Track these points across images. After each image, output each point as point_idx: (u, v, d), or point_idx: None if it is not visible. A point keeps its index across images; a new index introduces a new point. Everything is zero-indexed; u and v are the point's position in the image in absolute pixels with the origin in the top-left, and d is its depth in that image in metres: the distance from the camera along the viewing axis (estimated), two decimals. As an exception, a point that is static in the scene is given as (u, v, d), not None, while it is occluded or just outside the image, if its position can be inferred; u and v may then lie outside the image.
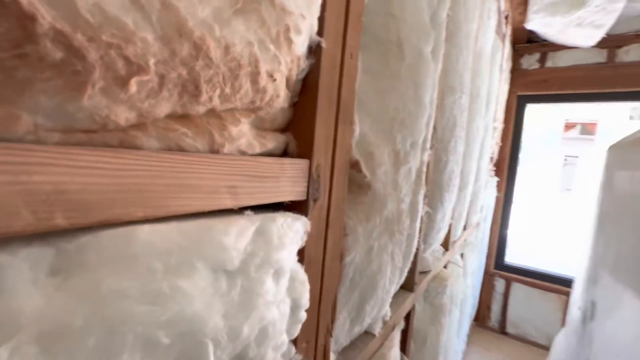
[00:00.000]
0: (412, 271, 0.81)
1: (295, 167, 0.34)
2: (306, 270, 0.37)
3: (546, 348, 2.77)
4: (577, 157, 2.67)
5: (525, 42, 2.83)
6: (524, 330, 3.01)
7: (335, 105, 0.39)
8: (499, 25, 1.79)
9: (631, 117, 2.43)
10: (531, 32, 2.60)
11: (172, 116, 0.23)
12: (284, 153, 0.37)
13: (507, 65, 2.62)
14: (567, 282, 2.60)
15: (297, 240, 0.34)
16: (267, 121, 0.32)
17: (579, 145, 2.64)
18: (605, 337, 1.19)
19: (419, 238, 0.81)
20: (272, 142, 0.33)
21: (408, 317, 0.88)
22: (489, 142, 1.90)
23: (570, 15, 1.91)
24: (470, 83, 1.09)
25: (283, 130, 0.37)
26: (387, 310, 0.66)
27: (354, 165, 0.46)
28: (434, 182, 0.88)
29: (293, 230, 0.33)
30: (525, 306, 3.01)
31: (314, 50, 0.35)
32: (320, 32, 0.34)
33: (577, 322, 1.39)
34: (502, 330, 3.11)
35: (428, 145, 0.65)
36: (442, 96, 0.85)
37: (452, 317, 1.38)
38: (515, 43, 2.84)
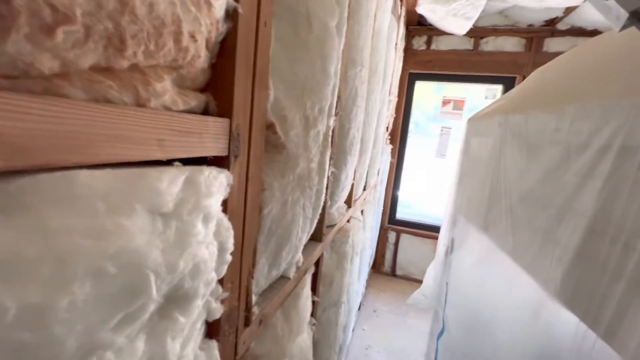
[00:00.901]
0: (320, 224, 0.93)
1: (217, 125, 0.37)
2: (230, 220, 0.42)
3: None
4: (450, 128, 3.33)
5: (416, 24, 3.18)
6: (409, 271, 3.69)
7: (251, 70, 0.43)
8: (394, 6, 1.98)
9: (486, 97, 3.13)
10: (421, 16, 2.94)
11: (96, 68, 0.24)
12: (205, 112, 0.39)
13: (401, 44, 2.94)
14: (439, 229, 3.29)
15: (221, 191, 0.38)
16: (189, 80, 0.34)
17: (452, 119, 3.28)
18: (458, 264, 1.60)
19: (326, 195, 0.92)
20: (194, 100, 0.35)
21: (317, 263, 1.01)
22: (385, 113, 2.15)
23: (448, 6, 2.25)
24: (369, 58, 1.22)
25: (203, 90, 0.39)
26: (299, 257, 0.76)
27: (270, 127, 0.51)
28: (338, 146, 0.99)
29: (218, 181, 0.36)
30: (410, 252, 3.67)
31: (231, 15, 0.37)
32: (236, -2, 0.37)
33: (442, 255, 1.81)
34: (393, 273, 3.74)
35: (333, 112, 0.74)
36: (345, 69, 0.95)
37: (354, 264, 1.62)
38: (408, 24, 3.17)
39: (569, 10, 2.55)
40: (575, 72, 1.05)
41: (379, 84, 1.54)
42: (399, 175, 3.63)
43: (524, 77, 3.09)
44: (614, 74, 0.85)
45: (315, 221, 0.77)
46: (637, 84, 0.74)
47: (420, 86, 3.59)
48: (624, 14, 0.59)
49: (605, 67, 0.91)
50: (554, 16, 2.72)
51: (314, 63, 0.59)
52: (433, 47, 3.25)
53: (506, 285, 1.15)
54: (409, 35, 3.26)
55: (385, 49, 1.61)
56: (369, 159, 1.73)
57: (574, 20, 2.72)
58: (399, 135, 3.48)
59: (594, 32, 2.81)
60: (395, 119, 3.41)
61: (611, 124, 0.65)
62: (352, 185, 1.36)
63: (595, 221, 0.66)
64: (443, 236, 1.86)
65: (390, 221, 3.70)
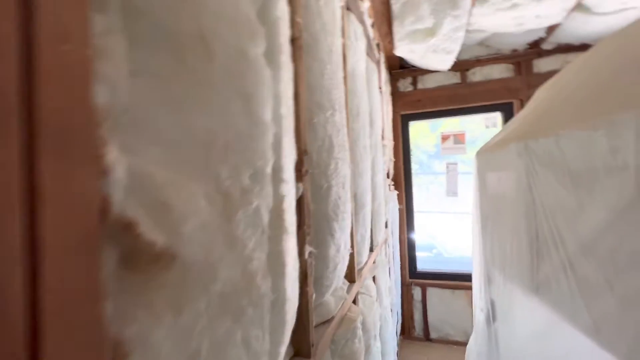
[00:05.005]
0: (303, 334, 0.64)
1: None
2: None
3: (464, 344, 2.93)
4: (456, 164, 3.11)
5: (398, 68, 3.16)
6: (445, 332, 3.15)
7: (23, 131, 0.20)
8: (371, 50, 1.90)
9: (487, 126, 2.98)
10: (402, 59, 2.92)
11: None
12: None
13: (386, 88, 2.86)
14: (470, 277, 2.84)
15: None
16: None
17: (455, 153, 3.09)
18: (507, 337, 1.22)
19: (307, 287, 0.65)
20: None
21: (311, 390, 0.69)
22: (381, 160, 1.94)
23: (426, 43, 2.18)
24: (345, 101, 1.04)
25: None
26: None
27: (129, 229, 0.27)
28: (316, 215, 0.75)
29: None
30: (441, 308, 3.17)
31: None
32: None
33: (482, 324, 1.43)
34: (426, 337, 3.19)
35: (287, 174, 0.50)
36: (310, 115, 0.75)
37: (374, 353, 1.25)
38: (390, 69, 3.15)
39: (551, 29, 2.47)
40: (600, 78, 0.84)
41: (365, 129, 1.35)
42: (411, 221, 3.31)
43: (521, 101, 2.94)
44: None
45: (283, 347, 0.49)
46: None
47: (415, 127, 3.47)
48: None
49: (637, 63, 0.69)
50: (537, 37, 2.66)
51: (227, 106, 0.37)
52: (420, 86, 3.19)
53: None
54: (393, 79, 3.23)
55: (365, 91, 1.45)
56: (370, 214, 1.47)
57: (558, 38, 2.64)
58: (402, 179, 3.24)
59: (583, 47, 2.71)
60: (396, 163, 3.21)
61: None
62: (352, 254, 1.07)
63: None
64: (478, 297, 1.50)
65: (412, 275, 3.27)
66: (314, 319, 0.78)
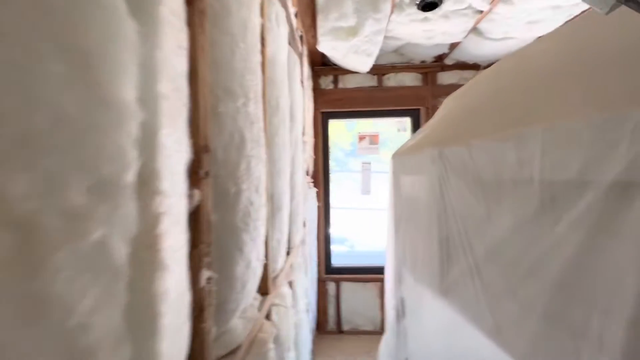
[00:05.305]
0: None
1: None
2: None
3: (372, 332, 3.13)
4: (370, 163, 3.32)
5: (320, 64, 3.14)
6: (355, 324, 3.30)
7: None
8: (294, 40, 1.79)
9: (398, 129, 3.27)
10: (324, 57, 2.89)
11: None
12: None
13: (308, 83, 2.81)
14: (380, 270, 3.01)
15: None
16: None
17: (370, 154, 3.31)
18: (414, 332, 1.28)
19: (204, 324, 0.50)
20: None
21: None
22: (301, 157, 1.87)
23: (348, 42, 2.18)
24: (263, 91, 0.90)
25: None
26: None
27: None
28: (221, 227, 0.60)
29: None
30: (352, 300, 3.31)
31: None
32: None
33: (393, 320, 1.49)
34: (339, 330, 3.29)
35: (167, 182, 0.35)
36: (215, 102, 0.59)
37: (287, 366, 1.17)
38: (313, 65, 3.10)
39: (453, 46, 2.77)
40: (502, 93, 0.91)
41: (285, 123, 1.24)
42: (328, 219, 3.36)
43: (428, 108, 3.24)
44: (557, 87, 0.68)
45: None
46: (597, 91, 0.55)
47: (333, 124, 3.52)
48: (613, -6, 0.38)
49: (540, 81, 0.76)
50: (441, 52, 2.95)
51: (38, 68, 0.21)
52: (340, 85, 3.23)
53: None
54: (316, 75, 3.19)
55: (286, 83, 1.34)
56: (288, 215, 1.37)
57: (457, 55, 2.98)
58: (321, 177, 3.25)
59: (475, 66, 3.12)
60: (315, 160, 3.19)
61: (623, 148, 0.42)
62: (265, 264, 0.96)
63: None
64: (390, 296, 1.56)
65: (327, 270, 3.32)
66: (216, 352, 0.64)
